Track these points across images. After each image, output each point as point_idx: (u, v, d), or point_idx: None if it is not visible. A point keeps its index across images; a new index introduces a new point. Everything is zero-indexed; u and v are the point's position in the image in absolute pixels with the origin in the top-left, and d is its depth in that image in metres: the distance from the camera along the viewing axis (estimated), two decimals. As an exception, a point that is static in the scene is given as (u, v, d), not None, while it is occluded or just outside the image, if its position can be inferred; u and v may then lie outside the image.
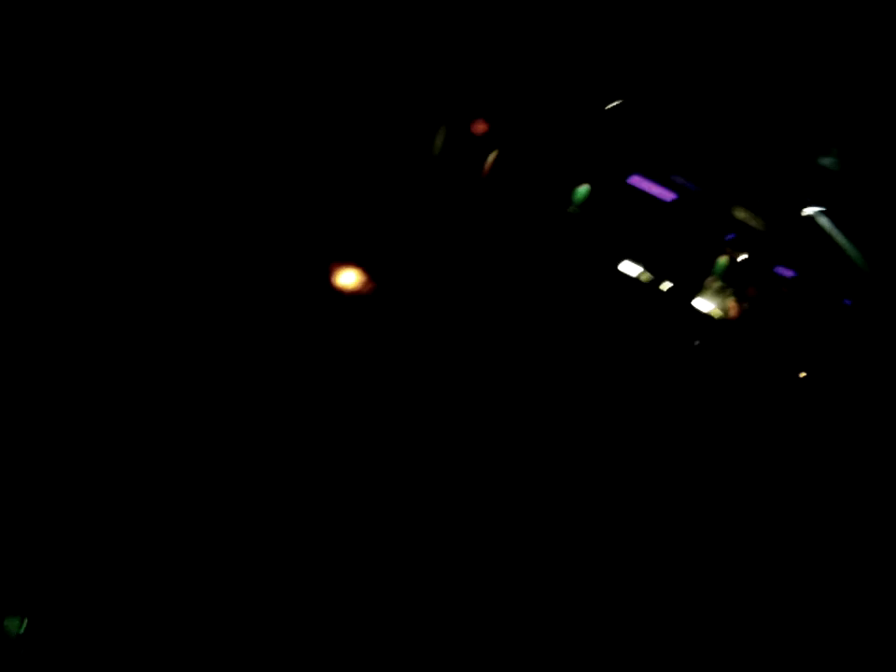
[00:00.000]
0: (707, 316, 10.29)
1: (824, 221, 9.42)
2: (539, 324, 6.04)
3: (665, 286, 9.44)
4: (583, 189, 7.42)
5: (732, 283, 10.40)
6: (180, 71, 4.31)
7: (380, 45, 5.28)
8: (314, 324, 3.65)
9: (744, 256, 10.07)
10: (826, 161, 8.28)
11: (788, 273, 10.60)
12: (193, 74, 4.37)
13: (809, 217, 9.57)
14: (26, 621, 1.78)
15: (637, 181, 7.88)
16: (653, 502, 3.48)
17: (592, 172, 7.46)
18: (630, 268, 8.88)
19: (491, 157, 6.15)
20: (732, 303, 10.58)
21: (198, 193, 4.40)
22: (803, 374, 10.48)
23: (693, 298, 9.99)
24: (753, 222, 9.71)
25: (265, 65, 4.73)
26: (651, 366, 7.41)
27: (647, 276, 8.96)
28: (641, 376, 6.81)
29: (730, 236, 9.65)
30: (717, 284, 10.20)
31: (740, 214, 9.51)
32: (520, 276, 6.56)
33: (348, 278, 4.25)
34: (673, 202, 8.49)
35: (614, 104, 6.98)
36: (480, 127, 5.81)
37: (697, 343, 9.08)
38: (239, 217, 4.43)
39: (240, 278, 3.76)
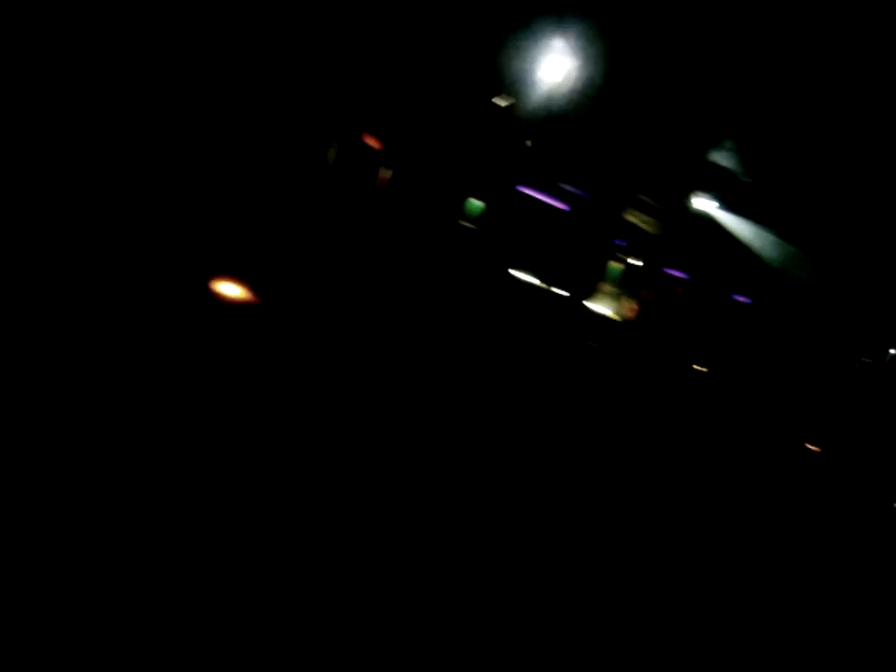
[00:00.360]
0: (604, 318, 11.03)
1: (724, 217, 10.20)
2: (435, 330, 6.33)
3: (559, 291, 10.05)
4: (477, 204, 7.87)
5: (626, 286, 11.21)
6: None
7: (277, 60, 5.43)
8: (196, 335, 3.72)
9: (636, 261, 10.91)
10: (720, 156, 9.02)
11: (680, 274, 11.55)
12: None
13: (704, 216, 10.38)
14: None
15: (530, 191, 8.42)
16: (559, 499, 3.79)
17: (485, 184, 7.93)
18: (524, 275, 9.43)
19: (386, 172, 6.44)
20: (627, 306, 11.38)
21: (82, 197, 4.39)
22: (700, 368, 11.40)
23: (587, 301, 10.69)
24: (645, 226, 10.52)
25: (156, 75, 4.76)
26: (549, 367, 7.90)
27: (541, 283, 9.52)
28: (540, 377, 7.26)
29: (621, 242, 10.42)
30: (611, 289, 10.97)
31: (632, 217, 10.28)
32: (413, 284, 6.86)
33: (230, 290, 4.32)
34: (567, 210, 9.12)
35: (504, 102, 7.34)
36: (372, 142, 6.09)
37: (595, 345, 9.70)
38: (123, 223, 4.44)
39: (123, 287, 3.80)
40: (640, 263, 10.73)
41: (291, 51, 5.45)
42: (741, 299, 11.41)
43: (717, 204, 9.81)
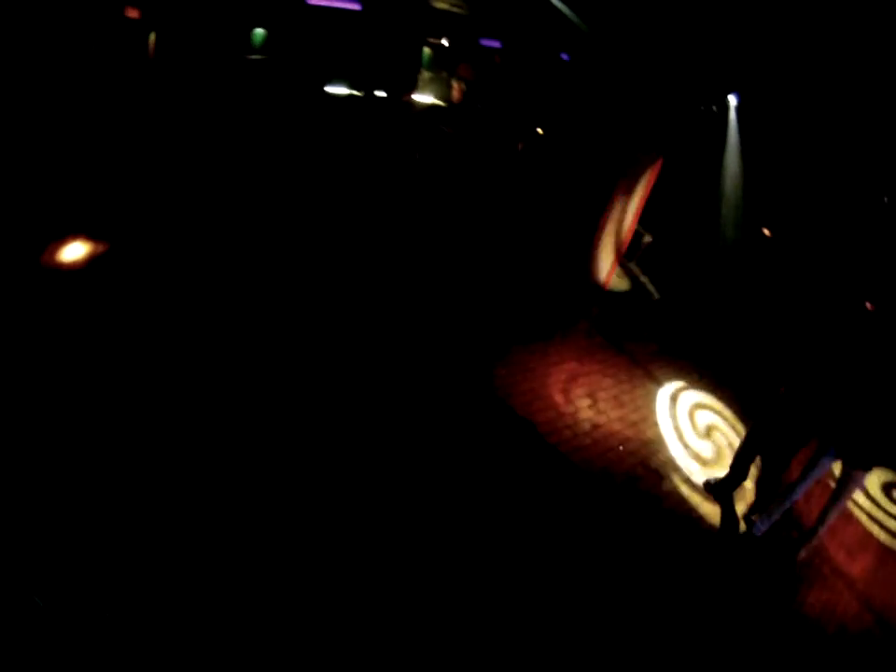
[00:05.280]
0: (433, 107, 12.27)
1: None
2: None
3: (380, 93, 11.11)
4: (259, 31, 8.42)
5: (442, 68, 12.32)
6: None
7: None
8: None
9: (445, 41, 11.90)
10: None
11: (494, 43, 12.67)
12: None
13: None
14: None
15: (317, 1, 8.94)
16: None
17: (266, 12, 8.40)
18: (338, 89, 10.32)
19: (151, 38, 6.88)
20: (453, 87, 12.64)
21: None
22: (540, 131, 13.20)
23: (411, 94, 11.81)
24: (456, 9, 11.33)
25: None
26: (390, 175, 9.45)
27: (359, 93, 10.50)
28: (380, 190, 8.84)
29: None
30: (427, 74, 12.07)
31: (441, 4, 11.04)
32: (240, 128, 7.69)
33: (75, 251, 4.93)
34: (362, 10, 9.75)
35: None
36: (132, 13, 6.44)
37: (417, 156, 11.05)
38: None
39: None
40: (447, 42, 11.75)
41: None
42: (564, 56, 12.80)
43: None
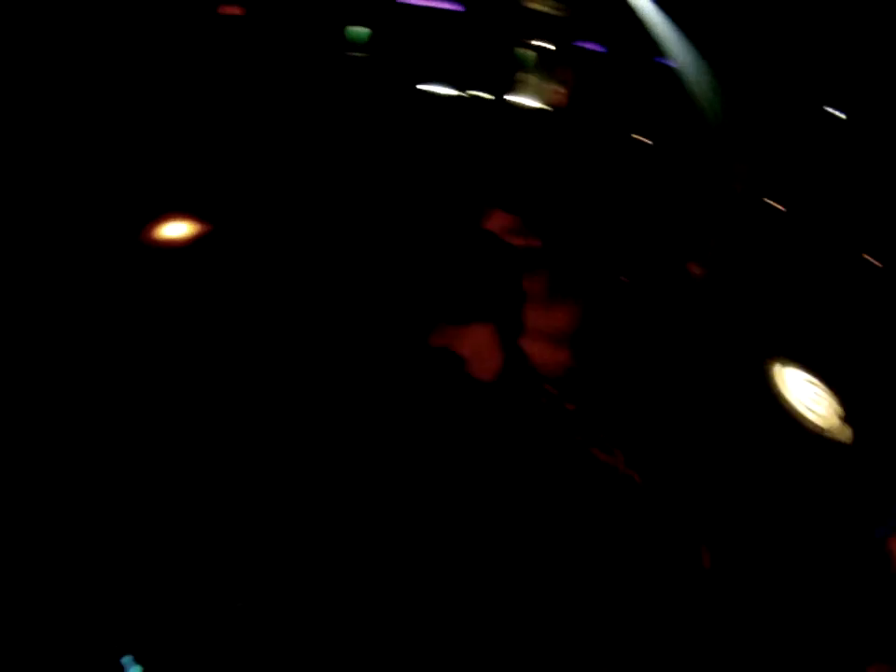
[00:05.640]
0: (535, 111, 12.26)
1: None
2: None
3: (480, 94, 11.24)
4: (363, 30, 8.77)
5: (545, 72, 12.29)
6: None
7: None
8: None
9: (548, 44, 11.86)
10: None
11: (598, 48, 12.52)
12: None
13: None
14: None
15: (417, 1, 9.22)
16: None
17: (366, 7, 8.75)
18: (437, 88, 10.53)
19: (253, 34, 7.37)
20: (555, 92, 12.57)
21: None
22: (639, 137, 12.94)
23: (510, 96, 11.87)
24: (553, 10, 11.31)
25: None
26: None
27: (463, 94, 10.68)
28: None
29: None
30: (529, 77, 12.07)
31: (538, 6, 11.06)
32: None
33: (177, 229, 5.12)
34: (464, 11, 9.94)
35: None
36: (233, 10, 6.94)
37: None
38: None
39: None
40: (548, 45, 11.69)
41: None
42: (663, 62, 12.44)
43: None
